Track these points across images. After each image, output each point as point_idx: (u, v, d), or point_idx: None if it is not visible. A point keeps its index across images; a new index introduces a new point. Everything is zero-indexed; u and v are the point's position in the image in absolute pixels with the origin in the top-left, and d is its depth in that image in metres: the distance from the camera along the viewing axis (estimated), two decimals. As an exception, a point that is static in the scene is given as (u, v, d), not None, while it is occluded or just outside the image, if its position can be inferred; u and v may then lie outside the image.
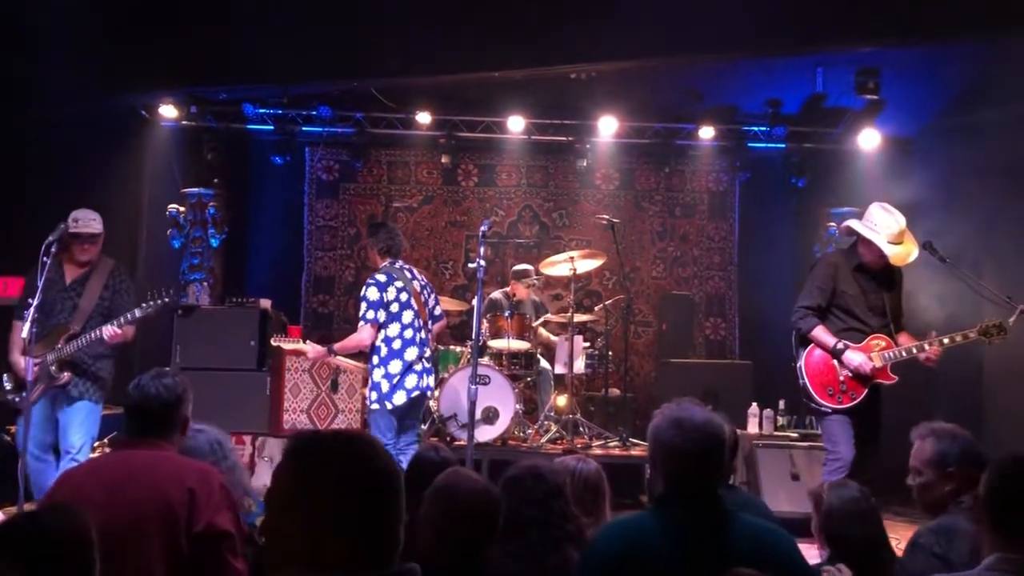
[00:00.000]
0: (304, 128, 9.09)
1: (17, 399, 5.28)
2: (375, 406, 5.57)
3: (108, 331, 5.18)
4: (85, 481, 2.80)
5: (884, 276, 5.19)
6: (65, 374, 5.21)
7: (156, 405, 2.91)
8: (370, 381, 5.64)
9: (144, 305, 5.23)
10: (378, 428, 5.56)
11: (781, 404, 7.69)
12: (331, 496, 1.64)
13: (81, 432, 5.27)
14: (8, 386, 5.37)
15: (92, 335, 5.20)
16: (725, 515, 2.44)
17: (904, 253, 5.06)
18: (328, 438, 1.76)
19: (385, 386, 5.54)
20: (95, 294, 5.36)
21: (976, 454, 3.08)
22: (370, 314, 5.53)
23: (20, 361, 5.21)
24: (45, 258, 4.99)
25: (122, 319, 5.22)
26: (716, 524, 2.42)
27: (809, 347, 5.19)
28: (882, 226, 5.04)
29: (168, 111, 8.54)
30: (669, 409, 2.54)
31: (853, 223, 5.21)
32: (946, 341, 4.99)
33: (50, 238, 5.05)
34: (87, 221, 5.33)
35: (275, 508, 1.70)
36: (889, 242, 5.01)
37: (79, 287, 5.35)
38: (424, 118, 8.86)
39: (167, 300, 5.24)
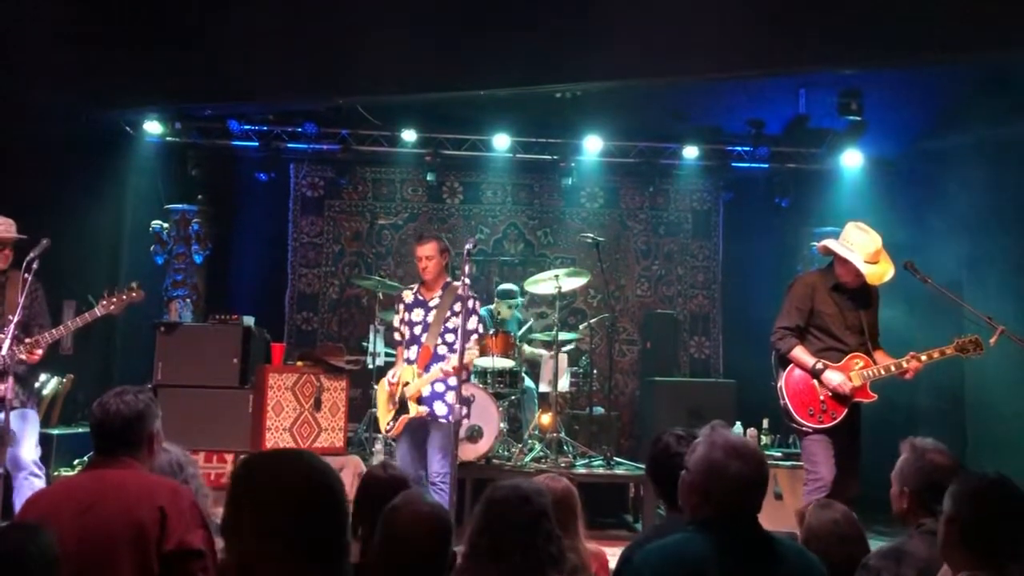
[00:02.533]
0: (289, 145, 9.08)
1: None
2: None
3: (32, 354, 5.05)
4: (56, 502, 2.76)
5: (860, 294, 5.21)
6: (3, 386, 4.97)
7: (117, 422, 2.86)
8: (467, 395, 5.66)
9: (104, 302, 5.10)
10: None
11: (765, 423, 7.71)
12: (265, 517, 1.63)
13: (31, 444, 5.13)
14: None
15: (20, 347, 5.04)
16: (767, 537, 2.48)
17: (880, 272, 5.08)
18: (259, 460, 1.76)
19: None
20: (17, 303, 5.06)
21: (934, 482, 2.96)
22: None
23: None
24: (26, 275, 4.94)
25: (41, 338, 5.06)
26: (761, 546, 2.46)
27: (789, 367, 5.19)
28: (858, 245, 5.06)
29: (153, 127, 8.53)
30: (718, 437, 2.56)
31: (830, 242, 5.24)
32: (924, 358, 5.02)
33: (32, 254, 5.00)
34: (8, 226, 5.19)
35: (224, 534, 1.70)
36: (865, 261, 5.04)
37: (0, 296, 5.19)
38: (409, 136, 8.89)
39: (132, 295, 5.14)
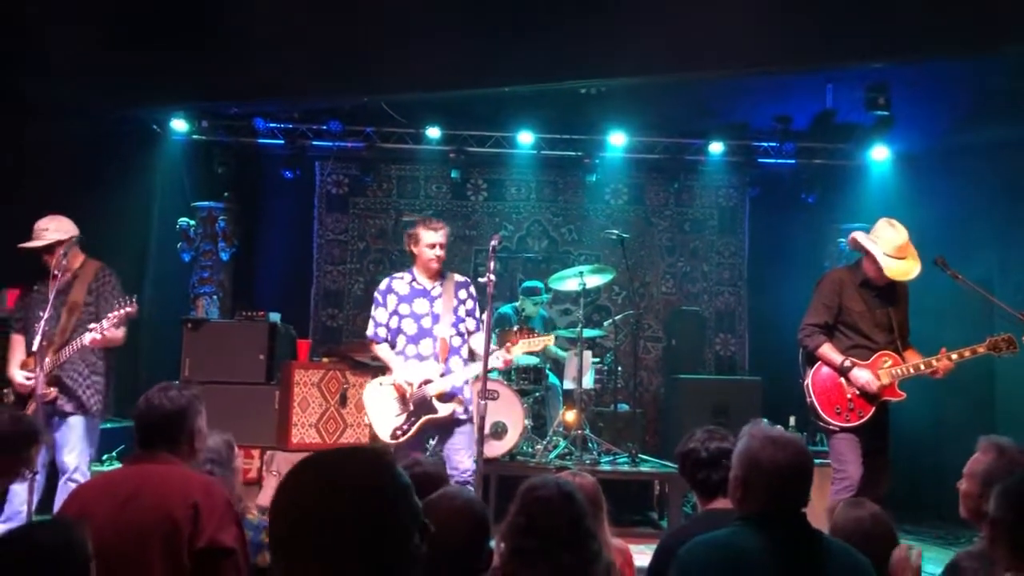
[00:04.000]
0: (314, 142, 9.12)
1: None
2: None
3: (88, 337, 4.98)
4: (95, 496, 2.80)
5: (890, 292, 5.14)
6: (51, 390, 4.97)
7: (158, 417, 2.91)
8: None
9: (111, 315, 5.01)
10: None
11: (791, 421, 7.65)
12: (333, 518, 1.56)
13: (76, 451, 5.09)
14: (12, 399, 5.17)
15: (75, 345, 5.03)
16: (816, 534, 2.49)
17: (904, 268, 4.99)
18: (323, 458, 1.66)
19: None
20: (79, 301, 5.17)
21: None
22: None
23: (17, 375, 5.09)
24: (56, 271, 4.98)
25: (101, 324, 5.00)
26: (809, 543, 2.47)
27: (816, 365, 5.14)
28: (883, 240, 5.01)
29: (180, 125, 8.62)
30: (758, 430, 2.59)
31: (859, 235, 5.18)
32: (955, 357, 4.95)
33: (60, 251, 5.04)
34: (38, 232, 5.15)
35: (277, 534, 1.61)
36: (889, 255, 4.97)
37: (63, 296, 5.15)
38: (434, 133, 8.91)
39: (128, 310, 5.02)
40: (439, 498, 2.58)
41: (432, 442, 5.40)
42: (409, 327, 5.27)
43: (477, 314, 5.45)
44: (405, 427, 5.16)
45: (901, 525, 6.30)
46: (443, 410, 5.12)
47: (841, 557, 2.49)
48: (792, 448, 2.53)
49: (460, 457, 5.15)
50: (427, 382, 5.16)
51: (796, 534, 2.47)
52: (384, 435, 5.24)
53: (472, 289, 5.49)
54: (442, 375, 5.19)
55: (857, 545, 3.02)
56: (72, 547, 2.13)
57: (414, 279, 5.36)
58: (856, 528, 3.14)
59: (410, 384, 5.16)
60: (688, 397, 8.07)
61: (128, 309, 5.06)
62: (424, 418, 5.15)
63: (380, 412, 5.26)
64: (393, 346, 5.34)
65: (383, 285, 5.42)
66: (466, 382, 5.36)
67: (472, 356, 5.41)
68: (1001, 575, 2.40)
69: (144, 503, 2.69)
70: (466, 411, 5.29)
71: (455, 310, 5.33)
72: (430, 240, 5.25)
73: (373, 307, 5.40)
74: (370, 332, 5.38)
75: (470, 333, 5.42)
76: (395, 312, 5.31)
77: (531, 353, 5.96)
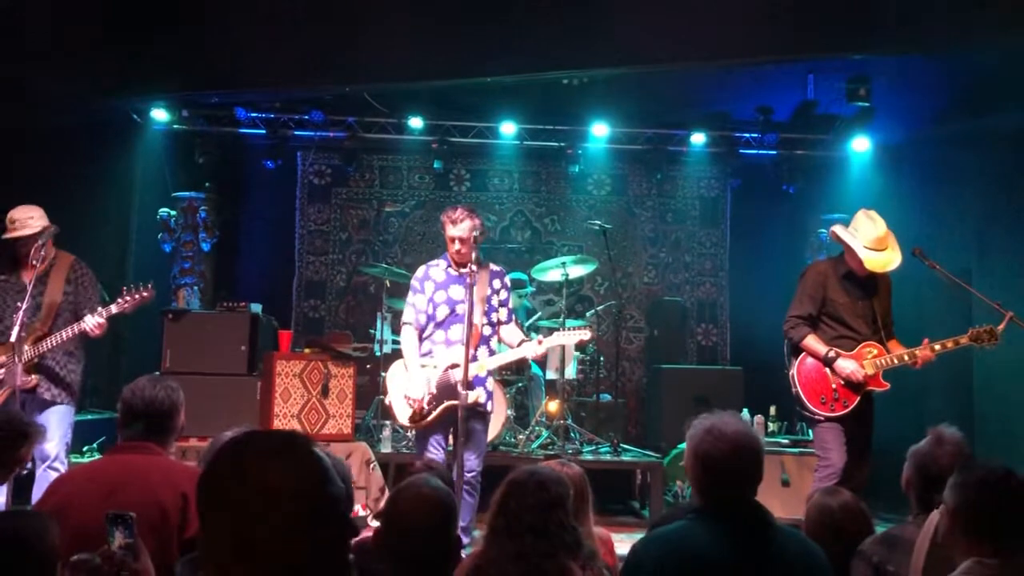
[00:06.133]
0: (296, 132, 9.07)
1: None
2: None
3: (92, 322, 4.95)
4: (78, 486, 2.80)
5: (873, 283, 5.19)
6: (32, 377, 4.97)
7: (155, 410, 2.93)
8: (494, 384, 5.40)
9: (120, 300, 5.01)
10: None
11: (772, 410, 7.70)
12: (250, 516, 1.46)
13: (56, 439, 5.07)
14: None
15: (66, 333, 5.00)
16: (768, 525, 2.47)
17: (884, 260, 5.04)
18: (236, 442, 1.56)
19: None
20: (58, 291, 5.15)
21: (932, 477, 2.99)
22: None
23: None
24: (35, 262, 4.95)
25: (103, 310, 4.98)
26: (760, 534, 2.45)
27: (801, 355, 5.19)
28: (862, 233, 5.06)
29: (160, 115, 8.54)
30: (702, 421, 2.56)
31: (838, 228, 5.23)
32: (937, 347, 5.01)
33: (39, 242, 5.00)
34: (24, 221, 5.10)
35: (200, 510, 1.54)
36: (869, 247, 5.02)
37: (40, 286, 5.11)
38: (416, 123, 8.87)
39: (144, 295, 5.03)
40: (407, 486, 2.63)
41: (448, 439, 5.23)
42: (442, 312, 5.24)
43: (510, 305, 5.45)
44: (427, 410, 5.12)
45: (878, 513, 6.36)
46: (471, 396, 4.82)
47: (792, 547, 2.47)
48: (729, 441, 2.46)
49: (467, 454, 4.94)
50: (454, 366, 5.05)
51: (745, 526, 2.45)
52: (403, 418, 5.24)
53: (507, 280, 5.47)
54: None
55: (825, 533, 3.07)
56: (37, 539, 2.13)
57: (449, 265, 5.30)
58: (827, 517, 3.18)
59: (448, 368, 5.11)
60: (670, 387, 8.11)
61: (144, 293, 5.06)
62: (446, 403, 5.04)
63: (402, 394, 5.24)
64: (423, 331, 5.30)
65: (420, 273, 5.40)
66: (489, 374, 5.32)
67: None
68: (905, 560, 2.46)
69: (132, 493, 2.69)
70: (484, 405, 5.19)
71: (488, 299, 5.30)
72: (449, 233, 5.19)
73: (410, 294, 5.35)
74: (408, 318, 5.32)
75: (501, 323, 5.38)
76: (431, 299, 5.27)
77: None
